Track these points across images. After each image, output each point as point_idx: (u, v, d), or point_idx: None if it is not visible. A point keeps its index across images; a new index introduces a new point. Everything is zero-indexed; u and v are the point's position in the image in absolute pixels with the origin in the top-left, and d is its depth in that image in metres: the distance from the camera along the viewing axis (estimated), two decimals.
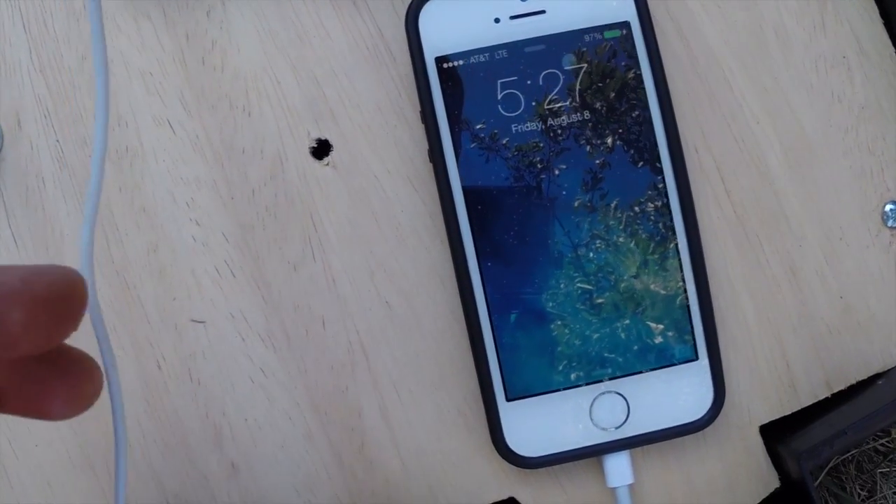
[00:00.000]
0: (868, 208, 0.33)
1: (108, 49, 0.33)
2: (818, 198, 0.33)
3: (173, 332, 0.32)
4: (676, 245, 0.31)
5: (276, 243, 0.32)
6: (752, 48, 0.33)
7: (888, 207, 0.34)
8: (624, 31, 0.31)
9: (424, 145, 0.32)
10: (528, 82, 0.31)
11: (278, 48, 0.33)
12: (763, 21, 0.33)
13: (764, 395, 0.32)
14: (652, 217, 0.31)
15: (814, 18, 0.33)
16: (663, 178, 0.31)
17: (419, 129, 0.32)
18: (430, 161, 0.31)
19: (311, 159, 0.32)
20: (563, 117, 0.31)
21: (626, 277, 0.31)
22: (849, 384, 0.33)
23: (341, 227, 0.32)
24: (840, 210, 0.33)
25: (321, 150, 0.33)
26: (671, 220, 0.31)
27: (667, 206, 0.31)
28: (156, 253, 0.32)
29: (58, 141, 0.33)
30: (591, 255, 0.31)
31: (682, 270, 0.31)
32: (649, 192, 0.31)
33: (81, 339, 0.20)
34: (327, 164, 0.32)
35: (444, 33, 0.31)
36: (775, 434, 0.34)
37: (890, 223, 0.33)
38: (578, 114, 0.31)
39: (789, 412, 0.33)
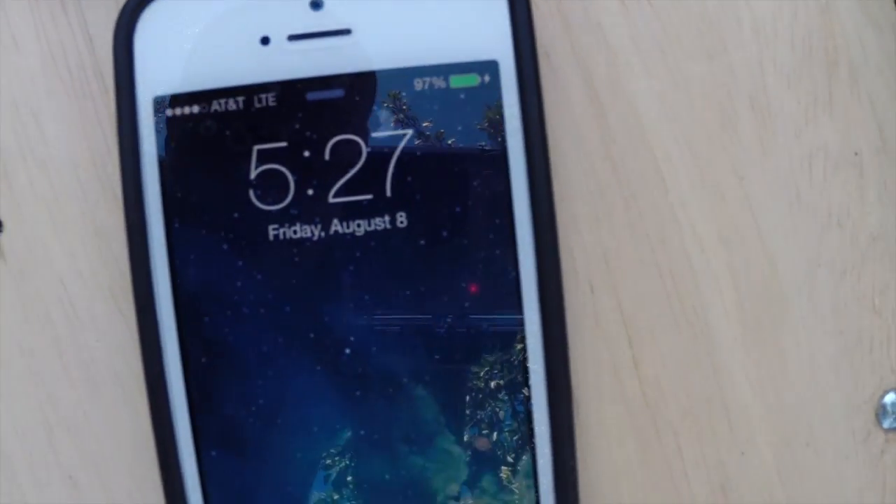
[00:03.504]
0: (858, 398, 0.16)
1: None
2: (781, 379, 0.16)
3: None
4: (533, 451, 0.14)
5: None
6: (709, 125, 0.16)
7: (889, 399, 0.16)
8: (486, 78, 0.14)
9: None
10: (307, 154, 0.14)
11: None
12: (734, 82, 0.16)
13: None
14: (500, 400, 0.14)
15: (816, 87, 0.16)
16: (523, 331, 0.14)
17: None
18: (130, 268, 0.14)
19: None
20: (361, 222, 0.14)
21: (442, 491, 0.16)
22: None
23: (7, 352, 0.16)
24: (814, 400, 0.16)
25: None
26: (529, 405, 0.14)
27: (525, 381, 0.14)
28: None
29: None
30: (388, 453, 0.14)
31: (536, 484, 0.14)
32: (498, 359, 0.14)
33: None
34: None
35: (175, 58, 0.14)
36: None
37: (887, 423, 0.16)
38: (387, 217, 0.14)
39: None
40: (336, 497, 0.14)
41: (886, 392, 0.17)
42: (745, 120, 0.16)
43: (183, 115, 0.14)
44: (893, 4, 0.17)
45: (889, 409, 0.17)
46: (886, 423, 0.17)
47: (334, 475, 0.15)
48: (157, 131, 0.14)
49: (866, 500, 0.17)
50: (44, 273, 0.16)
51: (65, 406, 0.16)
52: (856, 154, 0.17)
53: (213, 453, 0.14)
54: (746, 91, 0.16)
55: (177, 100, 0.14)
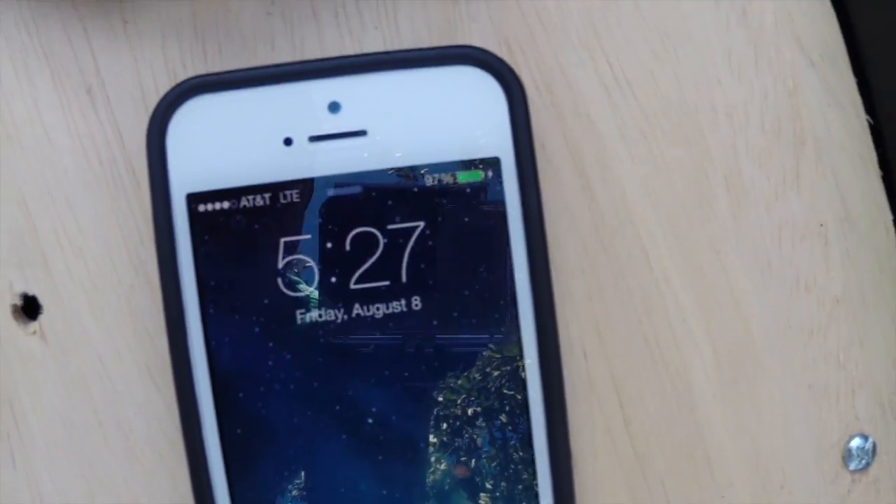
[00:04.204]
0: (826, 444, 0.18)
1: None
2: (757, 430, 0.18)
3: None
4: (536, 498, 0.16)
5: None
6: (688, 204, 0.18)
7: (854, 443, 0.18)
8: (489, 174, 0.15)
9: None
10: (329, 245, 0.15)
11: None
12: (710, 164, 0.17)
13: None
14: (502, 459, 0.16)
15: (784, 165, 0.18)
16: (525, 398, 0.15)
17: None
18: (170, 350, 0.16)
19: (12, 322, 0.17)
20: (380, 305, 0.16)
21: None
22: None
23: (51, 425, 0.17)
24: (786, 447, 0.18)
25: (28, 310, 0.17)
26: (533, 464, 0.15)
27: (529, 442, 0.15)
28: None
29: None
30: None
31: None
32: (503, 422, 0.15)
33: None
34: (34, 333, 0.17)
35: (205, 158, 0.15)
36: None
37: (853, 465, 0.18)
38: (404, 301, 0.16)
39: None
40: None
41: (852, 437, 0.19)
42: (721, 198, 0.18)
43: (214, 211, 0.16)
44: (855, 85, 0.19)
45: (854, 452, 0.19)
46: (852, 465, 0.19)
47: None
48: (191, 226, 0.16)
49: None
50: (83, 352, 0.17)
51: (106, 474, 0.17)
52: (821, 225, 0.19)
53: None
54: (722, 171, 0.18)
55: (208, 196, 0.16)
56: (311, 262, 0.16)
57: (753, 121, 0.18)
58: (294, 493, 0.16)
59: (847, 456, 0.19)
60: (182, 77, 0.17)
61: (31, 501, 0.18)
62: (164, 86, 0.17)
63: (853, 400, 0.19)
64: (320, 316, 0.16)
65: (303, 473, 0.16)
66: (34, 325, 0.17)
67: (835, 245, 0.18)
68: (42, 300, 0.17)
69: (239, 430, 0.16)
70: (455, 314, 0.16)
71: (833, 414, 0.19)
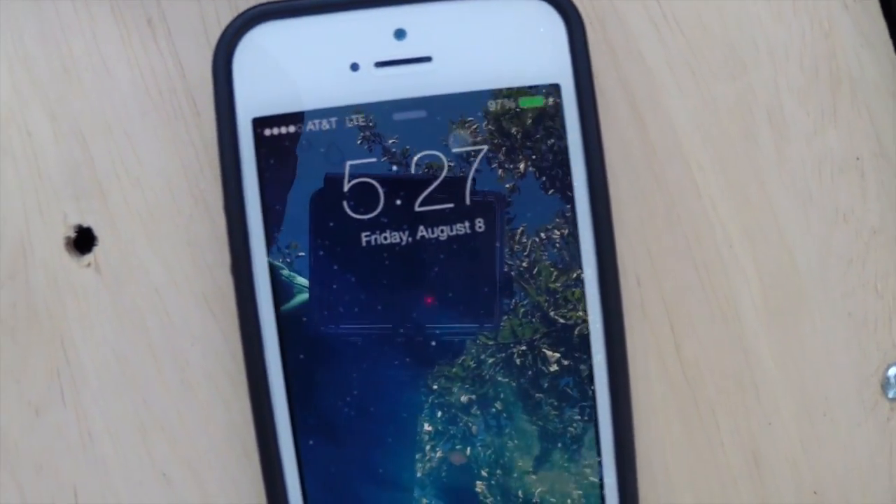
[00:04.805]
0: (866, 372, 0.19)
1: None
2: (801, 358, 0.19)
3: None
4: (596, 421, 0.16)
5: (12, 375, 0.17)
6: (733, 137, 0.18)
7: (892, 372, 0.19)
8: (550, 100, 0.16)
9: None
10: (394, 168, 0.16)
11: (34, 82, 0.17)
12: (754, 99, 0.19)
13: None
14: (567, 383, 0.16)
15: (822, 101, 0.19)
16: (585, 321, 0.16)
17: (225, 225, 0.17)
18: (233, 276, 0.16)
19: (65, 255, 0.17)
20: (444, 228, 0.16)
21: (520, 469, 0.17)
22: None
23: (103, 359, 0.17)
24: (829, 375, 0.19)
25: (82, 242, 0.18)
26: (592, 382, 0.16)
27: (586, 357, 0.16)
28: None
29: None
30: (468, 439, 0.16)
31: (599, 456, 0.16)
32: (567, 347, 0.16)
33: None
34: (88, 265, 0.17)
35: (271, 82, 0.16)
36: None
37: (891, 394, 0.19)
38: (468, 223, 0.16)
39: None
40: (424, 477, 0.16)
41: (890, 366, 0.20)
42: (764, 132, 0.19)
43: (280, 135, 0.16)
44: (886, 27, 0.20)
45: (892, 380, 0.20)
46: (891, 394, 0.20)
47: (422, 458, 0.16)
48: (257, 150, 0.16)
49: (876, 462, 0.20)
50: (139, 283, 0.18)
51: (159, 408, 0.18)
52: (857, 159, 0.20)
53: (310, 442, 0.16)
54: (764, 106, 0.19)
55: (274, 120, 0.16)
56: (377, 185, 0.16)
57: (793, 59, 0.19)
58: (356, 418, 0.17)
59: (885, 384, 0.20)
60: (243, 10, 0.17)
61: (79, 439, 0.18)
62: (226, 18, 0.17)
63: (890, 329, 0.20)
64: (385, 238, 0.16)
65: (365, 399, 0.17)
66: (88, 258, 0.18)
67: (871, 178, 0.19)
68: (97, 232, 0.17)
69: (302, 356, 0.16)
70: (517, 236, 0.17)
71: (871, 342, 0.20)
